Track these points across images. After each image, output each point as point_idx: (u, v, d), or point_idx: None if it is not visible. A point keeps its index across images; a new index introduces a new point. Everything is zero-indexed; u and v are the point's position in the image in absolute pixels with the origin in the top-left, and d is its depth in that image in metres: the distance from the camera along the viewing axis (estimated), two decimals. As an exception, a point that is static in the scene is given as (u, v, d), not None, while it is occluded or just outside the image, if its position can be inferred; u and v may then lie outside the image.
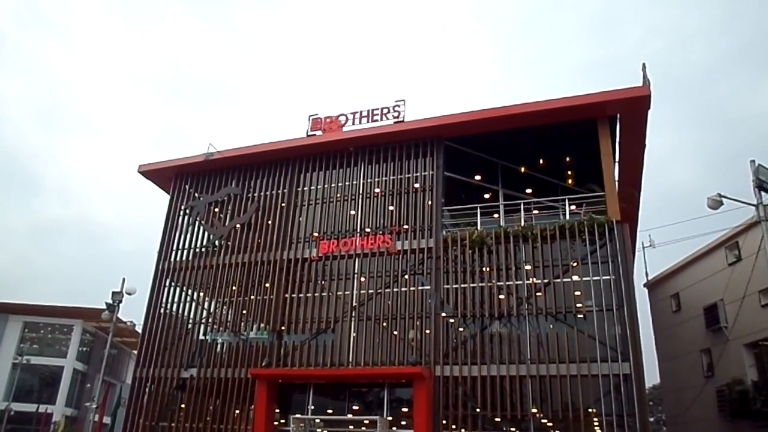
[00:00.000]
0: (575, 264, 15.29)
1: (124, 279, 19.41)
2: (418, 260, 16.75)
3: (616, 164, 17.18)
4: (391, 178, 18.24)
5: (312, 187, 19.12)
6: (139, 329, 21.19)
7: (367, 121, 18.51)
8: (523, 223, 16.25)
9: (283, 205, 19.21)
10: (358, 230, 17.82)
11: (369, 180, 18.43)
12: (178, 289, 19.20)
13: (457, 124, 17.38)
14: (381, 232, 17.48)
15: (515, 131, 17.26)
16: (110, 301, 19.07)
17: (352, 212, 18.27)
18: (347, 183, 18.65)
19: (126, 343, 36.89)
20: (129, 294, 19.08)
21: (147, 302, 19.04)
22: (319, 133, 19.12)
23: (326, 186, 18.88)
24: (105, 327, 30.94)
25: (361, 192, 18.42)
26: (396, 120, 18.24)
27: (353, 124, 18.76)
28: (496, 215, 17.32)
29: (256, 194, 19.70)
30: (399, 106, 18.28)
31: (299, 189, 19.31)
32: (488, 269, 16.03)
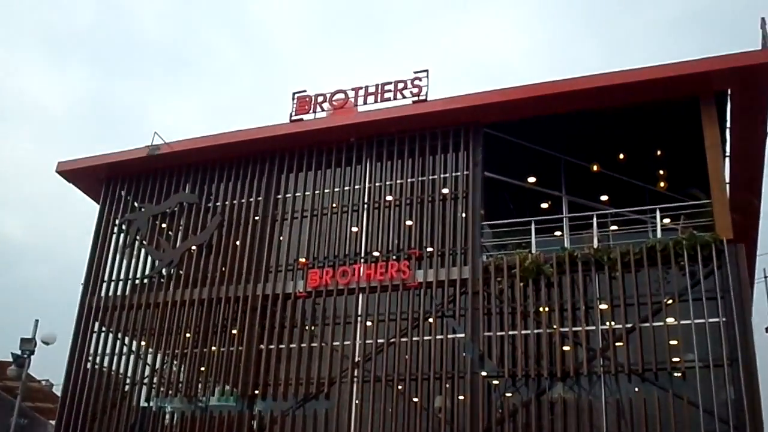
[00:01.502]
0: (670, 301, 15.15)
1: (37, 321, 19.60)
2: (448, 297, 16.76)
3: (726, 160, 17.12)
4: (410, 180, 18.35)
5: (298, 194, 19.31)
6: (58, 391, 21.14)
7: (376, 101, 18.70)
8: (596, 244, 16.21)
9: (257, 218, 19.39)
10: (363, 254, 17.88)
11: (378, 183, 18.59)
12: (111, 336, 19.37)
13: (503, 104, 17.48)
14: (395, 257, 17.53)
15: (584, 115, 17.36)
16: (18, 352, 19.22)
17: (354, 229, 18.35)
18: (347, 188, 18.81)
19: (41, 410, 36.99)
20: (46, 343, 19.19)
21: (69, 353, 19.20)
22: (307, 117, 19.35)
23: (317, 192, 19.05)
24: (12, 387, 31.03)
25: (366, 200, 18.55)
26: (416, 99, 18.38)
27: (356, 104, 18.97)
28: (558, 233, 17.34)
29: (219, 204, 19.98)
30: (420, 79, 18.40)
31: (280, 196, 19.50)
32: (547, 309, 15.98)
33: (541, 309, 16.08)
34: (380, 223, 18.18)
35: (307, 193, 19.27)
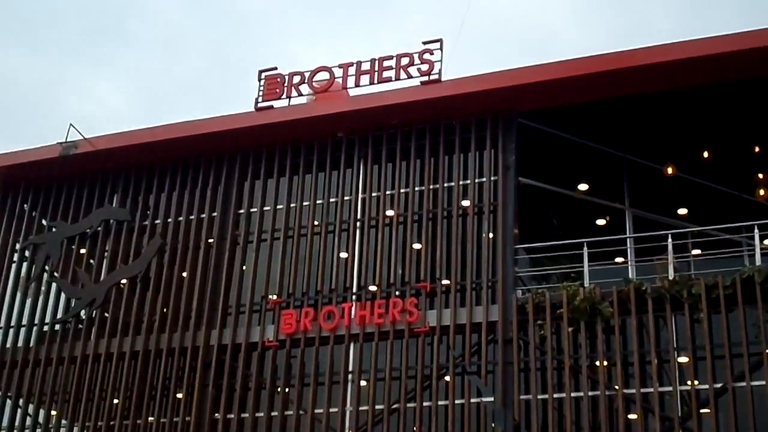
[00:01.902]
0: (774, 353, 15.06)
1: None
2: (470, 347, 16.68)
3: None
4: (417, 189, 18.43)
5: (266, 208, 19.38)
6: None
7: (372, 82, 18.87)
8: (672, 274, 16.16)
9: (211, 241, 19.44)
10: (355, 289, 17.90)
11: (375, 194, 18.67)
12: (8, 403, 19.32)
13: (544, 85, 17.51)
14: (398, 294, 17.51)
15: (655, 99, 17.48)
16: None
17: (344, 255, 18.39)
18: (334, 199, 18.87)
19: None
20: None
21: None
22: (279, 104, 19.50)
23: (293, 205, 19.13)
24: None
25: (360, 216, 18.61)
26: (426, 79, 18.50)
27: (345, 86, 19.11)
28: (619, 259, 17.35)
29: (159, 221, 20.08)
30: (431, 52, 18.56)
31: (242, 211, 19.55)
32: (605, 363, 15.94)
33: (597, 363, 16.05)
34: (378, 246, 18.18)
35: (279, 206, 19.31)
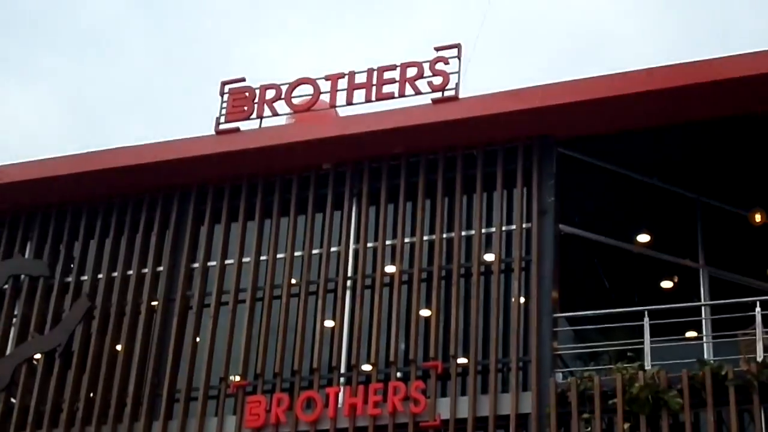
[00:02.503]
0: None
1: None
2: (496, 447, 16.52)
3: None
4: (426, 239, 18.57)
5: (228, 262, 19.51)
6: None
7: (368, 99, 19.15)
8: (761, 354, 16.10)
9: (154, 304, 19.53)
10: (343, 368, 17.97)
11: (371, 244, 18.81)
12: None
13: (592, 105, 17.67)
14: (400, 376, 17.55)
15: (738, 122, 17.59)
16: None
17: (329, 323, 18.45)
18: (317, 251, 18.99)
19: None
20: None
21: None
22: (247, 126, 19.77)
23: (264, 258, 19.21)
24: None
25: (351, 273, 18.74)
26: (440, 96, 18.69)
27: (333, 105, 19.41)
28: (691, 333, 17.40)
29: (86, 278, 20.18)
30: (446, 61, 18.77)
31: (196, 265, 19.72)
32: (673, 472, 15.76)
33: None
34: (375, 313, 18.25)
35: (245, 259, 19.41)
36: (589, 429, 16.28)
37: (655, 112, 17.55)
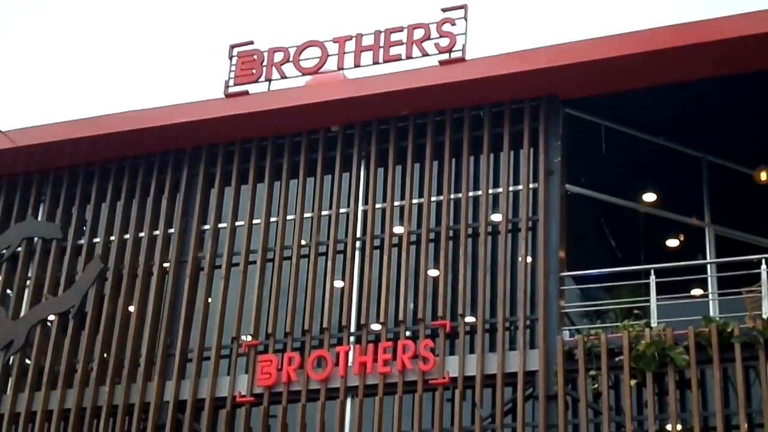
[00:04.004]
0: None
1: None
2: (503, 403, 16.64)
3: None
4: (434, 199, 18.52)
5: (239, 224, 19.44)
6: None
7: (376, 61, 19.01)
8: (766, 313, 16.06)
9: (166, 266, 19.52)
10: (353, 327, 17.98)
11: (380, 205, 18.78)
12: None
13: (599, 64, 17.59)
14: (409, 334, 17.58)
15: (746, 80, 17.46)
16: None
17: (339, 284, 18.45)
18: (326, 212, 18.95)
19: None
20: None
21: None
22: (257, 89, 19.66)
23: (274, 220, 19.16)
24: None
25: (360, 234, 18.72)
26: (447, 57, 18.59)
27: (341, 68, 19.28)
28: (697, 291, 17.47)
29: (99, 240, 20.19)
30: (453, 22, 18.65)
31: (207, 227, 19.67)
32: (678, 427, 15.90)
33: (668, 427, 15.98)
34: (384, 273, 18.23)
35: (255, 221, 19.34)
36: (596, 386, 16.27)
37: (661, 71, 17.45)
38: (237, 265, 19.17)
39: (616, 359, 16.25)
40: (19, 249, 20.64)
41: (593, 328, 17.07)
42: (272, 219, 19.25)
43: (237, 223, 19.51)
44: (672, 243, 19.68)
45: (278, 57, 19.58)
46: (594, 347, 16.42)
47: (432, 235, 18.36)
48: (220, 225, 19.68)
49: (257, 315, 18.49)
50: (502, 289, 17.49)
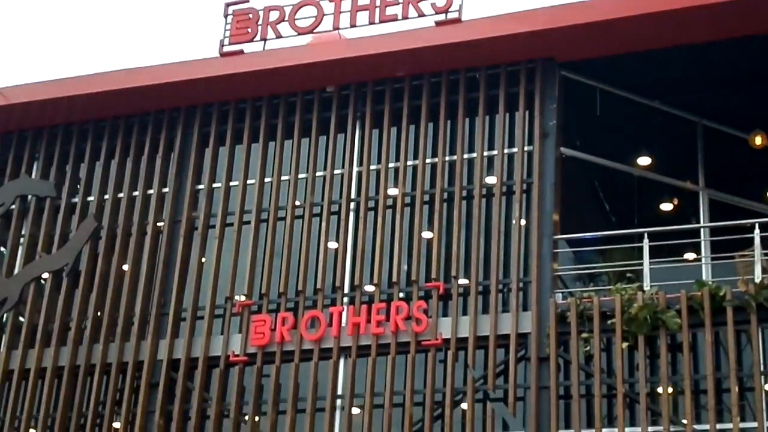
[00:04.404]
0: None
1: None
2: (495, 365, 16.72)
3: None
4: (429, 161, 18.49)
5: (233, 184, 19.43)
6: None
7: (372, 21, 18.92)
8: (759, 275, 16.11)
9: (160, 225, 19.53)
10: (346, 288, 17.99)
11: (375, 167, 18.72)
12: None
13: (595, 27, 17.48)
14: (402, 296, 17.56)
15: (742, 44, 17.42)
16: None
17: (333, 245, 18.46)
18: (321, 173, 18.91)
19: None
20: None
21: None
22: (251, 48, 19.58)
23: (268, 180, 19.14)
24: None
25: (354, 195, 18.68)
26: (443, 18, 18.47)
27: (336, 27, 19.16)
28: (690, 255, 17.48)
29: (92, 198, 20.20)
30: (450, -20, 18.32)
31: (201, 187, 19.65)
32: (670, 391, 15.93)
33: (659, 390, 16.01)
34: (378, 235, 18.17)
35: (249, 181, 19.28)
36: (588, 348, 16.34)
37: (659, 34, 17.38)
38: (231, 225, 19.11)
39: (609, 322, 16.26)
40: (13, 207, 20.56)
41: (586, 290, 17.13)
42: (266, 179, 19.19)
43: (231, 183, 19.47)
44: (666, 207, 19.73)
45: (274, 16, 19.45)
46: (586, 310, 16.44)
47: (426, 197, 18.32)
48: (215, 185, 19.62)
49: (251, 275, 18.50)
50: (496, 251, 17.45)
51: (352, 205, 18.66)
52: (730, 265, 16.95)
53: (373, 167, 18.73)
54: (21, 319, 19.59)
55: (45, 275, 19.80)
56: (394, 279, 17.74)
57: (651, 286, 16.53)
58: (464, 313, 17.20)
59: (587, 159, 18.49)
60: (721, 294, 15.89)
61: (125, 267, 19.42)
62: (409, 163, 18.53)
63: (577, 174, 18.56)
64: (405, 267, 17.92)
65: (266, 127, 19.50)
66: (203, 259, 19.09)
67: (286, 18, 19.37)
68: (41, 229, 20.15)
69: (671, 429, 15.58)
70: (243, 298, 18.33)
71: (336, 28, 19.14)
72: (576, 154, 18.32)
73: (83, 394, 18.62)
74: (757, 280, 15.96)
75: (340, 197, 18.73)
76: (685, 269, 17.32)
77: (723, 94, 18.86)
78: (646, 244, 16.88)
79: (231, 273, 18.64)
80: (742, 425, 15.44)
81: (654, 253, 16.89)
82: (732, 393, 15.55)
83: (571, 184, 18.21)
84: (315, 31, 19.25)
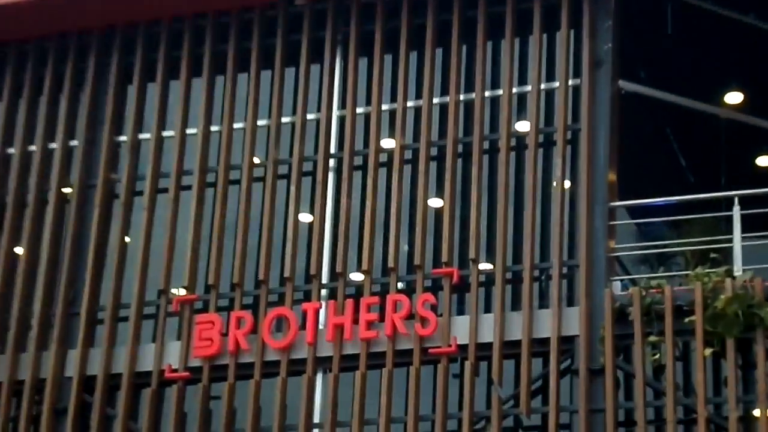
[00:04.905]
0: None
1: None
2: (530, 380, 15.38)
3: None
4: (437, 101, 17.47)
5: (168, 134, 18.41)
6: None
7: None
8: None
9: (66, 191, 18.32)
10: (325, 277, 17.09)
11: (362, 110, 17.62)
12: None
13: None
14: (401, 286, 16.68)
15: None
16: None
17: (306, 217, 17.61)
18: (287, 120, 17.82)
19: None
20: None
21: None
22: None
23: (215, 130, 18.10)
24: None
25: (334, 150, 17.64)
26: None
27: None
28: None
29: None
30: None
31: (123, 139, 18.54)
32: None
33: (756, 412, 14.67)
34: (367, 204, 17.14)
35: (189, 131, 18.15)
36: (657, 355, 15.01)
37: None
38: (165, 191, 17.92)
39: (686, 320, 14.89)
40: None
41: (654, 277, 15.67)
42: (213, 128, 17.96)
43: (165, 133, 18.23)
44: (764, 161, 18.76)
45: None
46: (655, 304, 15.08)
47: (434, 151, 17.03)
48: (142, 135, 18.39)
49: (193, 260, 17.24)
50: (530, 224, 16.11)
51: (332, 162, 17.48)
52: None
53: (360, 110, 17.46)
54: None
55: None
56: (391, 264, 16.46)
57: (744, 270, 15.23)
58: (487, 309, 15.95)
59: (655, 96, 17.33)
60: (837, 281, 16.78)
61: (18, 250, 18.16)
62: (410, 104, 17.19)
63: (641, 117, 17.71)
64: (405, 247, 16.78)
65: (212, 55, 18.19)
66: (127, 238, 17.98)
67: None
68: None
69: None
70: (183, 291, 17.24)
71: None
72: (640, 89, 17.17)
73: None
74: None
75: (316, 152, 17.43)
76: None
77: None
78: (736, 212, 15.61)
79: (166, 257, 17.38)
80: None
81: (747, 225, 15.64)
82: None
83: (633, 131, 17.20)
84: None
